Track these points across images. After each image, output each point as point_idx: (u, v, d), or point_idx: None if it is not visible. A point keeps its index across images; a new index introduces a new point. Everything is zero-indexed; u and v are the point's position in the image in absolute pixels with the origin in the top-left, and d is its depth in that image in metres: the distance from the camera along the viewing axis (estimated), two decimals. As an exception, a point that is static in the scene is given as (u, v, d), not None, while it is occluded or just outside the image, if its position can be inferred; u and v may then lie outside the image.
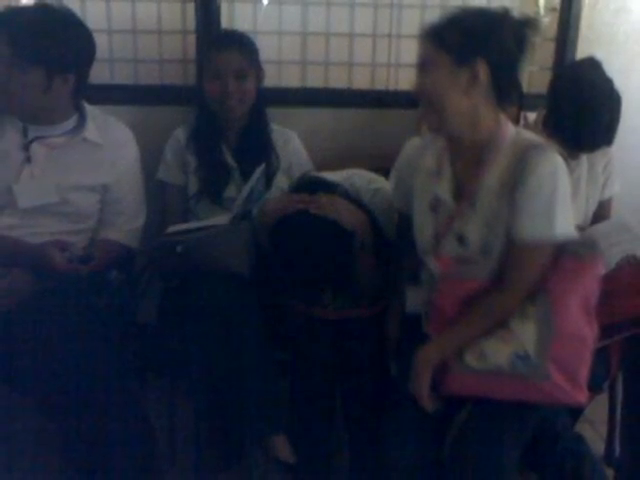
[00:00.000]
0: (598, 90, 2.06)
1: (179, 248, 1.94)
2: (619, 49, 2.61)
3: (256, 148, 2.28)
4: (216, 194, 2.26)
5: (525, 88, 2.54)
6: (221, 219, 2.04)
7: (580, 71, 2.15)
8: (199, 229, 2.03)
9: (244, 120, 2.28)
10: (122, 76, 2.54)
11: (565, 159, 1.66)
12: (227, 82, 2.17)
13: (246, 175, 2.18)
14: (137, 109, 2.48)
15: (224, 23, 2.51)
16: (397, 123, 2.56)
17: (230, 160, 2.28)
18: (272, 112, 2.37)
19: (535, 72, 2.67)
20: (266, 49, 2.41)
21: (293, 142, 2.38)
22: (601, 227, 2.22)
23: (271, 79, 2.44)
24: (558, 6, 2.60)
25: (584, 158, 2.24)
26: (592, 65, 2.14)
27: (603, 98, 2.05)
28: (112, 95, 2.44)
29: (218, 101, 2.20)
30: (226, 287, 1.92)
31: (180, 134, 2.32)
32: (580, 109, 2.04)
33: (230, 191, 2.26)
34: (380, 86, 2.66)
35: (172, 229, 2.06)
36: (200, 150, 2.27)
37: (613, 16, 2.61)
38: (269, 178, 2.26)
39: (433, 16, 1.72)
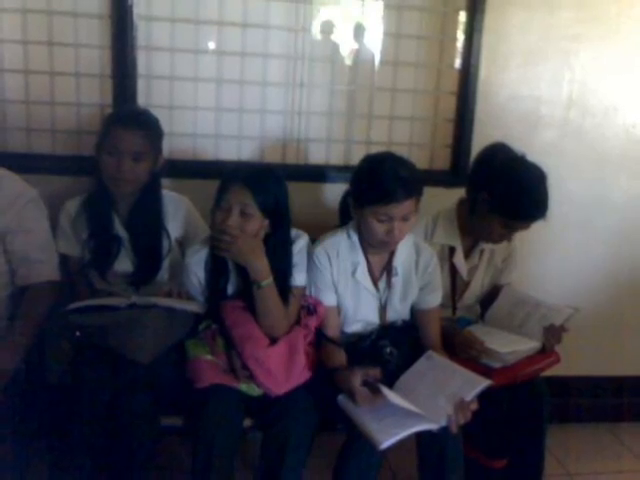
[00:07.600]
0: (526, 165, 1.98)
1: (77, 333, 1.77)
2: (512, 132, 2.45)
3: (148, 219, 2.01)
4: (105, 267, 2.00)
5: (428, 165, 2.48)
6: (122, 301, 1.81)
7: (504, 154, 2.03)
8: (100, 309, 1.79)
9: (136, 194, 2.01)
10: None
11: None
12: (123, 161, 1.91)
13: (137, 246, 1.98)
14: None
15: (141, 99, 2.28)
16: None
17: (121, 231, 2.03)
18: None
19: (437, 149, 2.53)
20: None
21: (184, 208, 2.11)
22: (501, 308, 2.14)
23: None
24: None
25: (486, 250, 2.16)
26: (505, 147, 2.04)
27: (534, 170, 1.96)
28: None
29: (111, 177, 1.94)
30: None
31: (70, 205, 2.04)
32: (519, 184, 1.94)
33: (121, 263, 2.02)
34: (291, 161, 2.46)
35: (73, 306, 1.80)
36: (91, 220, 2.01)
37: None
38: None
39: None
